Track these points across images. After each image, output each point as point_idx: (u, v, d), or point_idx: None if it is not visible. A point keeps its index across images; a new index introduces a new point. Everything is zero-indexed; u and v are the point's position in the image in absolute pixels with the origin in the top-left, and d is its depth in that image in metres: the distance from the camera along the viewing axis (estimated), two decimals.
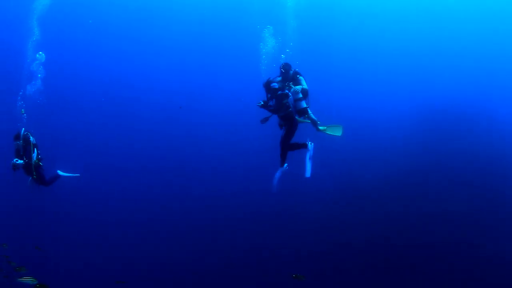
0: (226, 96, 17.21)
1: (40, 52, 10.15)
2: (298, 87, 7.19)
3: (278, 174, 7.61)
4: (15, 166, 7.63)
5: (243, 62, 16.56)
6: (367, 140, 15.46)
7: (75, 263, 11.77)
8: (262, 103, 7.27)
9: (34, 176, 7.84)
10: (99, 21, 17.54)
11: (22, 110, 8.99)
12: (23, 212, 12.41)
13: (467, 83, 17.39)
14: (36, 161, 7.85)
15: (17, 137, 7.82)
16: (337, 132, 7.61)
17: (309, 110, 7.40)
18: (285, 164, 7.51)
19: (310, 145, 7.49)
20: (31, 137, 7.92)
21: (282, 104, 7.11)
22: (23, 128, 7.93)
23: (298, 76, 7.26)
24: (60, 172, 8.58)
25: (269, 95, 7.25)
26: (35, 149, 7.92)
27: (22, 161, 7.68)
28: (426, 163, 13.92)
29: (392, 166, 14.03)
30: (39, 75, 9.99)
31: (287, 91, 7.12)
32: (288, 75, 7.26)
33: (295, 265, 11.38)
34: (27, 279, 6.85)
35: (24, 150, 7.75)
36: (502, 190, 12.43)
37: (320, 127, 7.52)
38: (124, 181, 14.50)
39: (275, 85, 7.21)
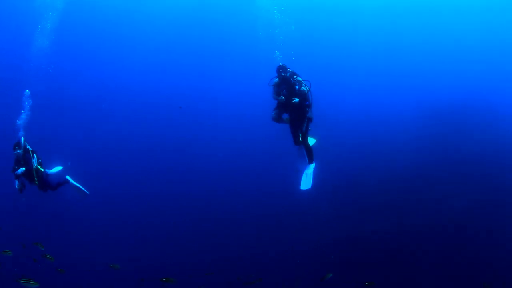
0: (225, 95, 17.22)
1: None
2: (305, 89, 7.21)
3: (306, 171, 7.55)
4: (17, 176, 7.65)
5: (241, 60, 16.60)
6: (368, 139, 15.46)
7: (76, 264, 11.80)
8: (284, 99, 7.19)
9: (36, 182, 7.85)
10: (98, 23, 17.58)
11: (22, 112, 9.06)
12: (23, 212, 12.45)
13: (472, 80, 17.40)
14: (38, 166, 7.90)
15: (17, 145, 7.86)
16: (310, 142, 7.70)
17: None
18: (313, 163, 7.52)
19: (313, 165, 7.57)
20: (27, 145, 7.98)
21: (306, 97, 7.25)
22: (23, 137, 8.00)
23: (295, 77, 7.28)
24: (69, 178, 8.62)
25: (284, 91, 7.23)
26: (34, 154, 7.97)
27: (23, 168, 7.69)
28: (429, 160, 13.94)
29: (394, 163, 14.03)
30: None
31: (304, 87, 7.21)
32: (286, 77, 7.26)
33: (295, 263, 11.41)
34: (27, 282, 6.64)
35: (24, 158, 7.79)
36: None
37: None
38: (124, 181, 14.53)
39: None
